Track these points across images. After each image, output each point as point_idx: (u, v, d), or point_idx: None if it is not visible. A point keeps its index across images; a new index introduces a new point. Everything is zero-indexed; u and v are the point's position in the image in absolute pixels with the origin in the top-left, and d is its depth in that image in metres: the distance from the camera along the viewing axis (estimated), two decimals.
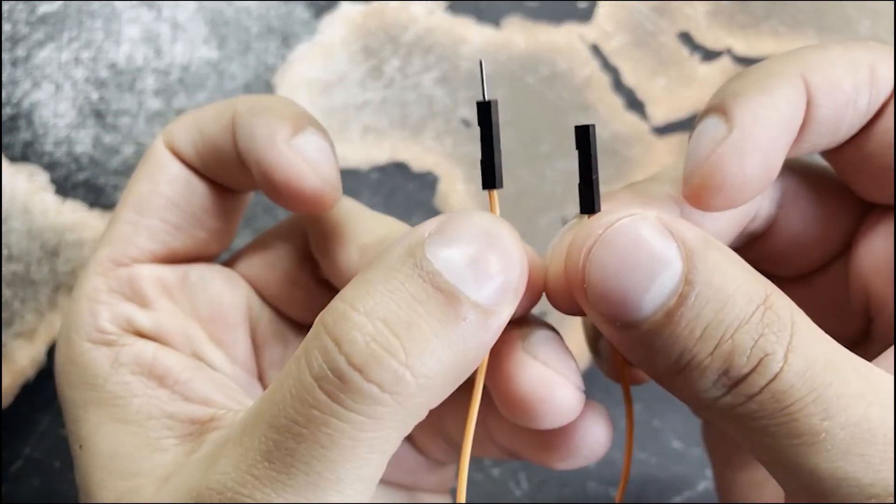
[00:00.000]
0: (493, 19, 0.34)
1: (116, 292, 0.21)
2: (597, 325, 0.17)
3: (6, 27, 0.34)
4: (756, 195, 0.18)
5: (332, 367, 0.15)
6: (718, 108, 0.18)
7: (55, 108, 0.33)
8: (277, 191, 0.20)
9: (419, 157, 0.33)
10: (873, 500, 0.15)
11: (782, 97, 0.17)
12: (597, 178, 0.17)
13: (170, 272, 0.22)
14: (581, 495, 0.30)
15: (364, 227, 0.21)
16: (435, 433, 0.22)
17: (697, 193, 0.18)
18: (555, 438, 0.20)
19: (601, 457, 0.21)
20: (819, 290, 0.21)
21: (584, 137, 0.17)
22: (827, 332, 0.16)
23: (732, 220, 0.20)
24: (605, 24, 0.34)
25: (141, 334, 0.21)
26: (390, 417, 0.15)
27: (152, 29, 0.34)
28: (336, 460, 0.15)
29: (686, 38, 0.34)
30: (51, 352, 0.31)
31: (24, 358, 0.31)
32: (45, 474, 0.31)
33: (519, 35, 0.34)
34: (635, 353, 0.17)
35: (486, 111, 0.17)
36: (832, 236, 0.21)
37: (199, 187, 0.22)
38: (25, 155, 0.33)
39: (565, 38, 0.34)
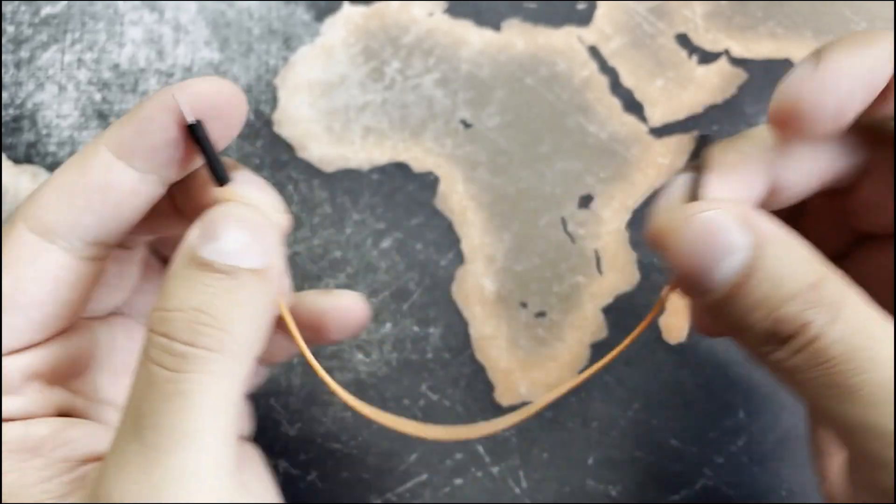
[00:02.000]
0: (493, 21, 0.34)
1: None
2: (682, 290, 0.21)
3: (9, 29, 0.34)
4: (828, 132, 0.20)
5: (168, 350, 0.19)
6: (816, 53, 0.20)
7: (58, 110, 0.33)
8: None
9: (419, 157, 0.33)
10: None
11: (870, 56, 0.20)
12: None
13: (41, 356, 0.21)
14: (580, 493, 0.30)
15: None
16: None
17: (778, 118, 0.21)
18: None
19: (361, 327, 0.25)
20: None
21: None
22: None
23: (812, 172, 0.22)
24: (604, 26, 0.34)
25: (10, 418, 0.21)
26: (226, 371, 0.19)
27: (154, 30, 0.34)
28: (194, 416, 0.18)
29: (684, 39, 0.34)
30: None
31: None
32: None
33: (518, 37, 0.34)
34: (710, 310, 0.20)
35: (196, 131, 0.20)
36: None
37: (84, 276, 0.21)
38: (29, 156, 0.33)
39: (564, 40, 0.34)
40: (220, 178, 0.20)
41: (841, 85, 0.20)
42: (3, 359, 0.21)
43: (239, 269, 0.19)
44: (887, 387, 0.18)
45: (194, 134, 0.20)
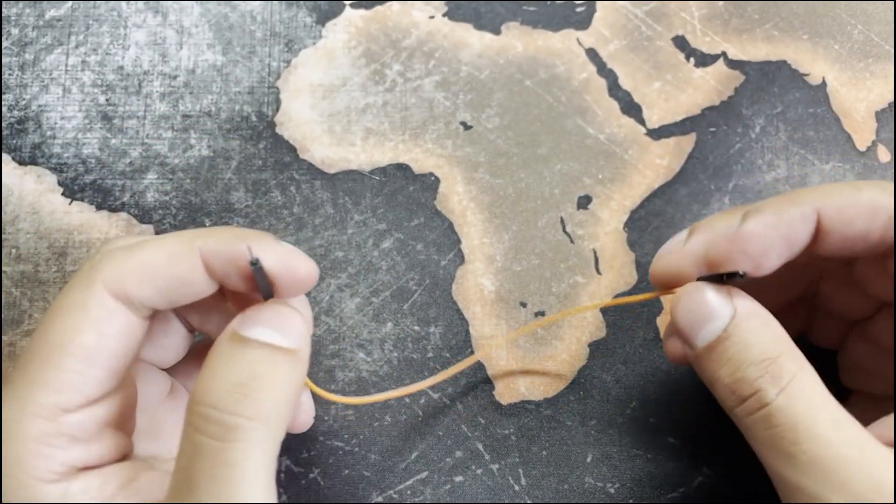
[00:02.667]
0: (493, 24, 0.35)
1: (65, 435, 0.22)
2: (677, 340, 0.25)
3: (14, 31, 0.34)
4: (759, 275, 0.24)
5: (215, 420, 0.21)
6: (743, 211, 0.24)
7: (63, 111, 0.33)
8: (280, 282, 0.24)
9: (420, 159, 0.33)
10: None
11: (787, 223, 0.23)
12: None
13: (110, 405, 0.24)
14: (579, 491, 0.30)
15: None
16: None
17: (715, 263, 0.24)
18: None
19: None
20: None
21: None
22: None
23: (782, 290, 0.28)
24: (602, 29, 0.35)
25: (90, 466, 0.23)
26: (265, 438, 0.21)
27: (158, 33, 0.34)
28: (239, 480, 0.21)
29: (681, 42, 0.34)
30: None
31: None
32: None
33: (518, 40, 0.34)
34: (694, 365, 0.25)
35: (255, 270, 0.23)
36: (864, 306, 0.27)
37: (141, 333, 0.24)
38: (34, 157, 0.33)
39: (563, 43, 0.34)
40: (266, 296, 0.24)
41: (758, 245, 0.23)
42: (82, 411, 0.23)
43: (276, 346, 0.22)
44: (820, 460, 0.21)
45: (253, 266, 0.23)
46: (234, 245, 0.23)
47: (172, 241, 0.23)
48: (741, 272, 0.23)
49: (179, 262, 0.23)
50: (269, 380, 0.22)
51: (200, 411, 0.21)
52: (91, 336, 0.22)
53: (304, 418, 0.29)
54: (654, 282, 0.26)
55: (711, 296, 0.24)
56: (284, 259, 0.23)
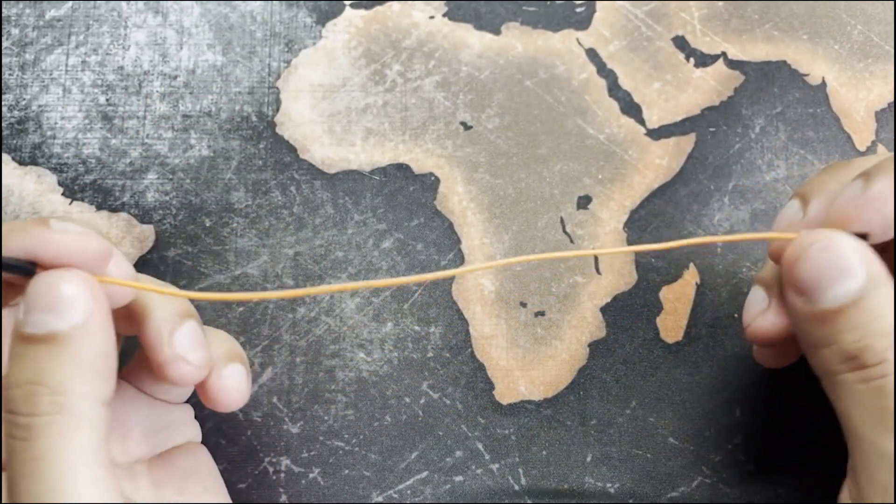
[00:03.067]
0: (493, 24, 0.35)
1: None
2: (789, 293, 0.23)
3: (14, 31, 0.34)
4: (885, 238, 0.23)
5: (14, 423, 0.21)
6: (850, 172, 0.24)
7: (63, 111, 0.34)
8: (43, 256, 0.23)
9: (420, 159, 0.33)
10: None
11: None
12: None
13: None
14: (578, 491, 0.30)
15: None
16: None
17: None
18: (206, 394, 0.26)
19: (237, 405, 0.26)
20: None
21: None
22: None
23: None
24: (602, 29, 0.35)
25: None
26: (74, 426, 0.21)
27: (158, 33, 0.34)
28: (54, 473, 0.20)
29: (681, 42, 0.35)
30: None
31: None
32: None
33: (517, 40, 0.34)
34: (804, 321, 0.23)
35: None
36: None
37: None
38: (34, 157, 0.33)
39: (563, 43, 0.34)
40: (27, 272, 0.22)
41: (888, 208, 0.22)
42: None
43: (56, 333, 0.21)
44: None
45: None
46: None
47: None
48: (866, 235, 0.22)
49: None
50: (55, 371, 0.21)
51: (6, 416, 0.21)
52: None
53: (229, 398, 0.26)
54: (775, 258, 0.25)
55: (850, 251, 0.22)
56: (33, 238, 0.22)
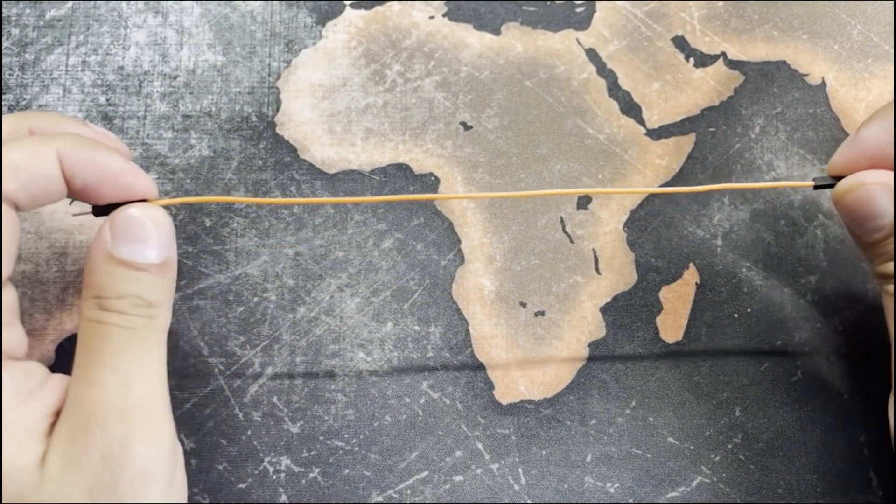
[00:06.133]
0: (492, 25, 0.35)
1: None
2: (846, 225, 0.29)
3: (14, 31, 0.34)
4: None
5: (115, 317, 0.25)
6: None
7: (63, 111, 0.34)
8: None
9: (420, 159, 0.33)
10: None
11: None
12: None
13: (10, 297, 0.26)
14: (578, 490, 0.30)
15: None
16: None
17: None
18: None
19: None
20: None
21: None
22: None
23: None
24: (602, 30, 0.35)
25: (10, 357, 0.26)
26: (152, 327, 0.26)
27: (158, 34, 0.34)
28: (148, 348, 0.25)
29: (681, 42, 0.35)
30: (59, 349, 0.31)
31: (33, 356, 0.31)
32: None
33: (517, 40, 0.35)
34: (857, 244, 0.28)
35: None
36: None
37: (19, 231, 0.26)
38: None
39: (563, 43, 0.34)
40: (107, 211, 0.27)
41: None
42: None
43: (144, 263, 0.26)
44: None
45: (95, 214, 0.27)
46: (86, 149, 0.26)
47: (32, 141, 0.25)
48: None
49: (42, 159, 0.25)
50: (150, 292, 0.26)
51: (110, 304, 0.25)
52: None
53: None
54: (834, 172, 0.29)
55: (878, 192, 0.27)
56: (119, 177, 0.26)
